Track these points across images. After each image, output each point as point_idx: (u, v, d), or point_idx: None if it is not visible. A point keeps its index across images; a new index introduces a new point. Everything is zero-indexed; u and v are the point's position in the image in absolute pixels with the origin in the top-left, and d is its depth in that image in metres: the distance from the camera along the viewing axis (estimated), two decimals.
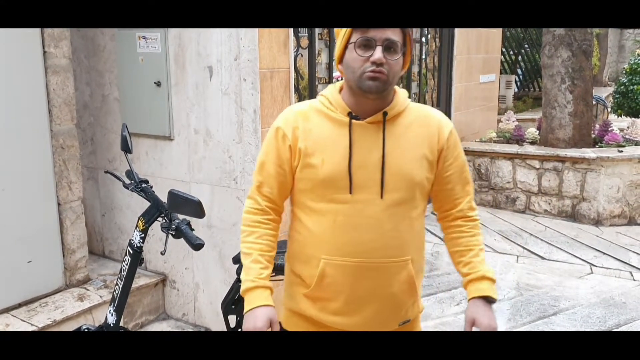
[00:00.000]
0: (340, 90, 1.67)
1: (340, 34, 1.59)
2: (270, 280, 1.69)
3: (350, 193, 1.59)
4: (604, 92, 11.71)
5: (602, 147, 6.16)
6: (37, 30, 3.07)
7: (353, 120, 1.60)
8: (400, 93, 1.68)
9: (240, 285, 2.64)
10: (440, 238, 5.22)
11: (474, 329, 1.65)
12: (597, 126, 6.67)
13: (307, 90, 4.22)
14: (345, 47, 1.57)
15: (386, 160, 1.59)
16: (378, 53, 1.51)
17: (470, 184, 1.77)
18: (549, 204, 6.03)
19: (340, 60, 1.61)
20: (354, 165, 1.59)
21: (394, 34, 1.53)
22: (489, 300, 1.67)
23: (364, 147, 1.60)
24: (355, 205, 1.59)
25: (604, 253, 4.95)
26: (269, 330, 1.60)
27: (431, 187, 1.71)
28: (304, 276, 1.70)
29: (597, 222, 5.78)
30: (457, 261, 1.75)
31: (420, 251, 1.74)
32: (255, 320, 1.59)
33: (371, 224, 1.60)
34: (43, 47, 3.11)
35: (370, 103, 1.60)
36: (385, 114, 1.61)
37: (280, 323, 1.71)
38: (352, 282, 1.63)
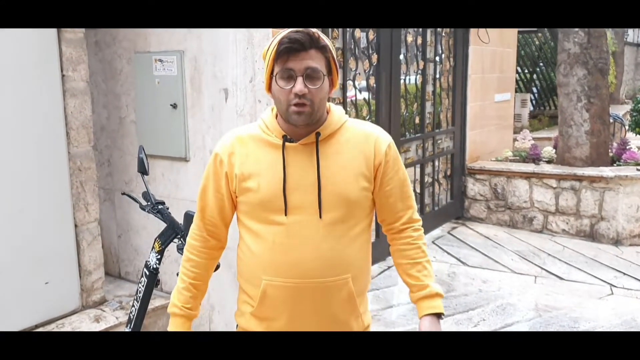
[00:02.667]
0: (277, 114, 1.69)
1: (265, 62, 1.61)
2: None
3: (285, 215, 1.61)
4: (621, 110, 11.63)
5: (620, 165, 6.09)
6: (56, 54, 3.12)
7: (287, 143, 1.63)
8: (335, 112, 1.69)
9: None
10: (456, 258, 5.17)
11: None
12: (615, 144, 6.61)
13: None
14: (271, 78, 1.60)
15: (321, 180, 1.61)
16: (299, 84, 1.53)
17: (412, 197, 1.78)
18: (567, 223, 5.95)
19: (269, 88, 1.64)
20: (289, 187, 1.61)
21: (314, 61, 1.54)
22: (439, 316, 1.73)
23: (298, 168, 1.62)
24: (291, 227, 1.61)
25: (625, 273, 4.86)
26: None
27: (373, 202, 1.73)
28: (250, 294, 1.72)
29: (617, 241, 5.69)
30: (404, 275, 1.79)
31: (363, 268, 1.73)
32: None
33: (308, 244, 1.61)
34: (61, 70, 3.16)
35: (302, 127, 1.63)
36: (318, 134, 1.62)
37: None
38: (293, 302, 1.65)
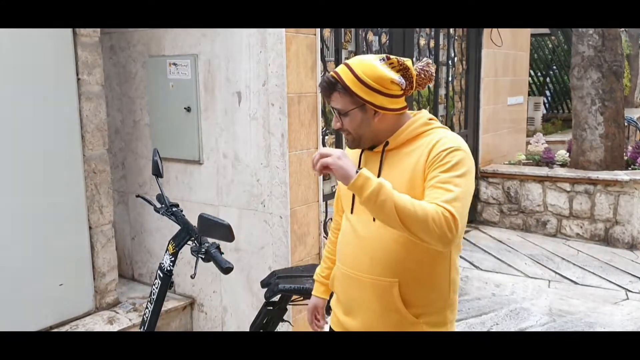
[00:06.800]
0: None
1: None
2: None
3: (352, 213, 1.82)
4: (636, 114, 11.51)
5: (635, 169, 6.03)
6: (72, 58, 3.15)
7: (366, 150, 1.84)
8: (414, 122, 1.78)
9: (268, 309, 2.66)
10: (469, 262, 5.14)
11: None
12: (630, 148, 6.55)
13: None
14: None
15: None
16: (334, 120, 1.80)
17: (455, 198, 1.56)
18: (581, 227, 5.90)
19: None
20: None
21: (336, 103, 1.75)
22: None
23: None
24: (354, 223, 1.81)
25: None
26: (313, 314, 2.14)
27: None
28: None
29: (632, 246, 5.63)
30: None
31: (422, 279, 1.73)
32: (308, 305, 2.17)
33: (361, 241, 1.78)
34: (77, 74, 3.20)
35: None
36: (386, 144, 1.78)
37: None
38: (347, 289, 1.85)
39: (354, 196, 1.79)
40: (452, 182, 1.58)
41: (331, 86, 1.76)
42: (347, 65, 1.75)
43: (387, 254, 1.72)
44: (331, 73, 1.77)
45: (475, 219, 6.51)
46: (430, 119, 1.80)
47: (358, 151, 1.88)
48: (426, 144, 1.71)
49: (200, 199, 3.50)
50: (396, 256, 1.71)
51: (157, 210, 2.61)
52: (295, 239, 3.21)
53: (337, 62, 4.19)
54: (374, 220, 1.72)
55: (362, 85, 1.71)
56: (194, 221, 2.45)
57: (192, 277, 2.35)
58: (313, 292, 2.15)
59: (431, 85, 5.60)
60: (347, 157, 1.61)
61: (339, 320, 1.90)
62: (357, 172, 1.57)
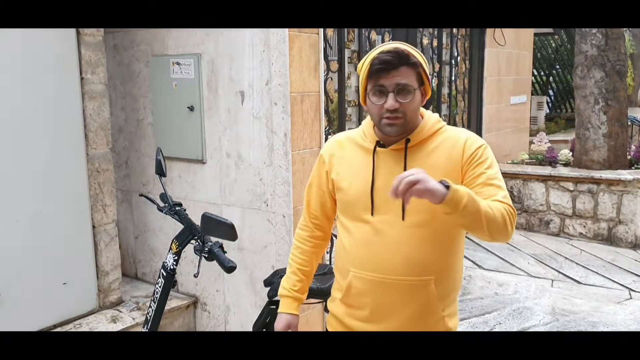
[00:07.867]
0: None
1: (360, 77, 1.72)
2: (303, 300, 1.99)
3: (372, 214, 1.72)
4: (639, 113, 11.49)
5: (638, 168, 6.02)
6: (75, 57, 3.16)
7: (378, 148, 1.74)
8: (429, 119, 1.76)
9: (271, 308, 2.66)
10: (472, 261, 5.14)
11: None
12: (633, 147, 6.54)
13: (336, 113, 4.25)
14: (365, 93, 1.72)
15: None
16: (390, 100, 1.64)
17: (502, 191, 1.64)
18: (584, 226, 5.90)
19: (364, 101, 1.75)
20: (376, 188, 1.72)
21: (403, 77, 1.63)
22: (444, 184, 1.50)
23: (386, 172, 1.71)
24: (376, 225, 1.72)
25: None
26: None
27: None
28: (340, 283, 1.86)
29: (635, 245, 5.62)
30: None
31: (449, 272, 1.77)
32: (277, 323, 1.97)
33: (391, 243, 1.70)
34: (80, 73, 3.20)
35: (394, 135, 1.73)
36: (407, 140, 1.71)
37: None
38: (375, 295, 1.75)
39: (372, 195, 1.71)
40: (498, 177, 1.66)
41: (404, 59, 1.64)
42: (404, 45, 1.69)
43: (421, 252, 1.69)
44: (394, 48, 1.65)
45: None
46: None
47: (358, 151, 1.78)
48: (452, 142, 1.71)
49: (203, 198, 3.51)
50: (430, 253, 1.70)
51: (160, 209, 2.62)
52: None
53: (340, 62, 4.19)
54: (402, 219, 1.68)
55: (425, 65, 1.70)
56: (197, 220, 2.46)
57: (195, 276, 2.35)
58: (284, 310, 1.97)
59: (434, 84, 5.62)
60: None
61: (349, 326, 1.82)
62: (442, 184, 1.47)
